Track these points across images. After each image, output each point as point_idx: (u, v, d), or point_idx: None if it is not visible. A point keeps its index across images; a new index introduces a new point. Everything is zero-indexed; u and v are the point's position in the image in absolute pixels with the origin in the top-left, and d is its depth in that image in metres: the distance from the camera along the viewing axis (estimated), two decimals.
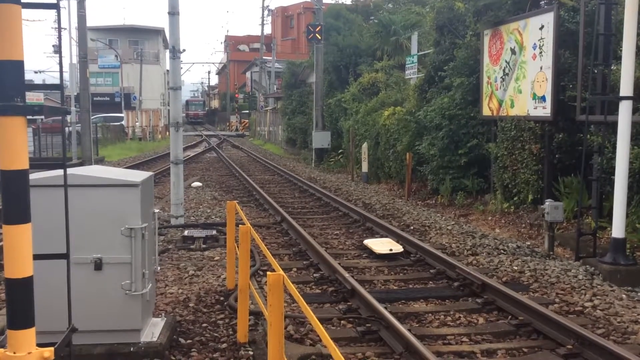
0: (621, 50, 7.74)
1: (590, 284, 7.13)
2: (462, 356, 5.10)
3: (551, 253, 8.71)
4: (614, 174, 7.82)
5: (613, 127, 8.15)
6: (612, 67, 8.92)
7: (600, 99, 8.76)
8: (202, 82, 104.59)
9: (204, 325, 5.67)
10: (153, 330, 5.00)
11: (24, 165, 2.35)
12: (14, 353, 2.36)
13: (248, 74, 67.52)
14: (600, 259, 7.73)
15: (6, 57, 2.26)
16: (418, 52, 19.58)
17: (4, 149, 2.31)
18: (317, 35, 24.03)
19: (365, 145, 18.51)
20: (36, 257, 2.47)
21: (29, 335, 2.40)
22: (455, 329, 5.75)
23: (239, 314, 5.26)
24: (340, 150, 23.12)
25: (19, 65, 2.29)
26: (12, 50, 2.27)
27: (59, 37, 3.01)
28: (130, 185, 4.62)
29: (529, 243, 9.47)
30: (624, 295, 6.72)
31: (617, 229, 7.61)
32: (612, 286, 7.09)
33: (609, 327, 5.73)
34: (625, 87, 7.53)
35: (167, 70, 42.48)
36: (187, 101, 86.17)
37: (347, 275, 6.97)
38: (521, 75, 11.25)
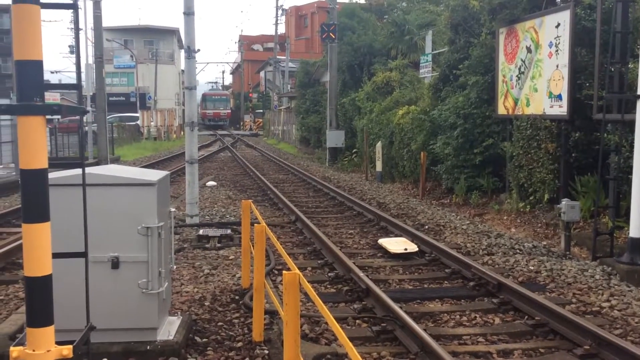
0: (638, 48, 7.67)
1: (607, 284, 7.07)
2: (478, 356, 5.07)
3: (568, 253, 8.65)
4: (631, 173, 7.74)
5: (630, 125, 8.07)
6: (629, 65, 8.83)
7: (617, 97, 8.68)
8: (216, 82, 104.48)
9: (220, 324, 5.68)
10: (169, 329, 5.03)
11: (43, 164, 2.37)
12: (33, 351, 2.39)
13: (262, 74, 67.63)
14: (618, 259, 7.66)
15: (26, 57, 2.28)
16: (432, 50, 19.52)
17: (24, 148, 2.33)
18: (331, 34, 24.01)
19: (379, 145, 18.47)
20: (55, 255, 2.49)
21: (48, 333, 2.42)
22: (471, 329, 5.72)
23: (255, 312, 5.26)
24: (354, 150, 23.08)
25: (38, 65, 2.31)
26: (31, 50, 2.29)
27: (77, 37, 3.00)
28: (146, 185, 4.64)
29: (545, 243, 9.40)
30: None
31: (635, 229, 7.53)
32: (629, 286, 7.02)
33: (627, 328, 5.68)
34: None
35: (182, 70, 42.66)
36: (203, 95, 64.78)
37: (361, 274, 6.97)
38: (537, 74, 11.16)
